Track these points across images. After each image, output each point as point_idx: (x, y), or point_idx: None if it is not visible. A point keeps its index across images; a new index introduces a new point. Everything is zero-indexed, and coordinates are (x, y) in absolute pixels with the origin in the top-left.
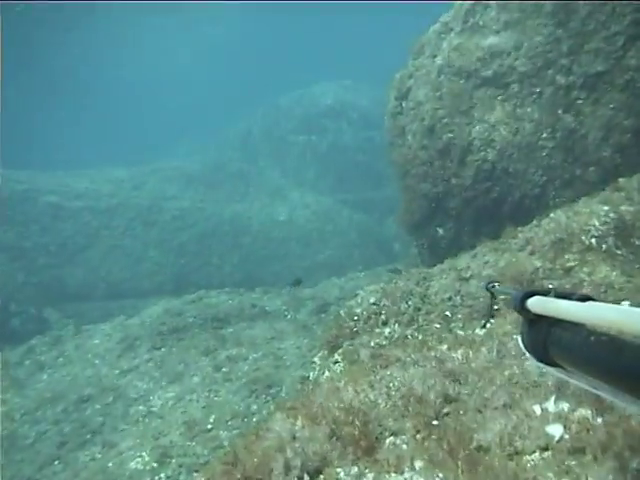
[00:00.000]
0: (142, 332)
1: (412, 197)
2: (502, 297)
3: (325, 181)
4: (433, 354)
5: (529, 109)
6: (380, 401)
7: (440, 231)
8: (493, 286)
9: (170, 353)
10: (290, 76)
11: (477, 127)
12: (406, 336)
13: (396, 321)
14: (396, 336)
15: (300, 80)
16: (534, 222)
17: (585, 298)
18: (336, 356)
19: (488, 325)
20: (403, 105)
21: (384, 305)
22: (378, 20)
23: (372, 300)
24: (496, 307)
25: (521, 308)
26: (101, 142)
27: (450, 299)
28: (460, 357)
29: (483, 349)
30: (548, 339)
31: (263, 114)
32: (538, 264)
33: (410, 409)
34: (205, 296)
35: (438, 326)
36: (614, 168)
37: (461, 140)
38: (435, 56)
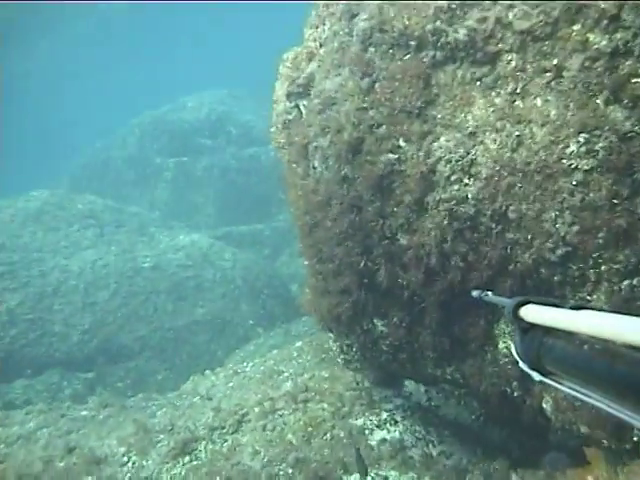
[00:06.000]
0: None
1: (327, 268)
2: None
3: (202, 213)
4: None
5: (539, 100)
6: None
7: (379, 325)
8: (486, 295)
9: None
10: (154, 89)
11: (442, 139)
12: None
13: None
14: None
15: (166, 92)
16: None
17: (579, 307)
18: None
19: None
20: (302, 106)
21: None
22: (256, 18)
23: None
24: None
25: (514, 317)
26: None
27: None
28: None
29: None
30: (541, 348)
31: (124, 135)
32: None
33: None
34: None
35: None
36: None
37: (414, 164)
38: (354, 16)
